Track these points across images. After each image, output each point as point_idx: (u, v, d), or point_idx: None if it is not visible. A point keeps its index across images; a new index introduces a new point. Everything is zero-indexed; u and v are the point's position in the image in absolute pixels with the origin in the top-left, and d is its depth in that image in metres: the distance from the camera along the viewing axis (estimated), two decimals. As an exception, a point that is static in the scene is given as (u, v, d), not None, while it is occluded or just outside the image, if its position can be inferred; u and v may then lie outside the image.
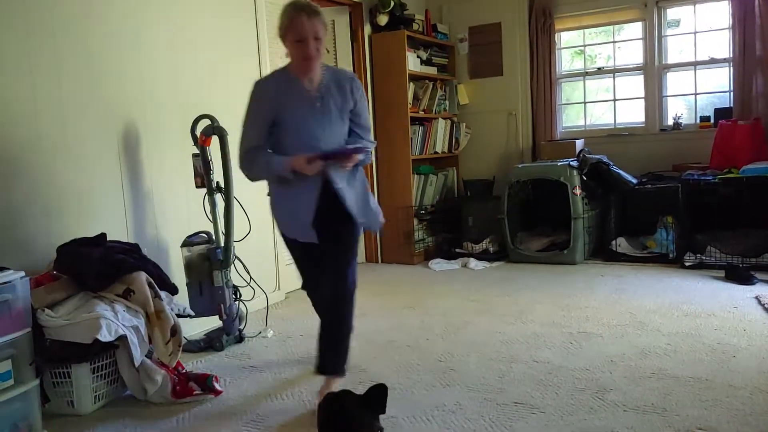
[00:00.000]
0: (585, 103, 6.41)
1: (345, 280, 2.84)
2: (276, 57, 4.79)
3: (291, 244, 2.95)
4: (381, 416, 2.23)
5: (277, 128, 2.75)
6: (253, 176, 2.83)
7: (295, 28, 2.61)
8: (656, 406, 2.60)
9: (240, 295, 3.83)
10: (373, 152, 5.92)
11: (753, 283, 4.42)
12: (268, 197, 2.95)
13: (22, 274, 2.69)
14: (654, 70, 5.96)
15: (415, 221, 5.94)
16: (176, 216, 3.92)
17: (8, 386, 2.58)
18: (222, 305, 3.70)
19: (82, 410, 2.85)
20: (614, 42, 6.26)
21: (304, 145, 2.70)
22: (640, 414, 2.54)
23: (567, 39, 6.47)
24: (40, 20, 3.19)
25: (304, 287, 3.21)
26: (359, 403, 2.16)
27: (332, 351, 2.85)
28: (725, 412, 2.51)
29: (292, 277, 4.99)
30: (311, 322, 4.15)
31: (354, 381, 3.04)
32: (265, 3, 4.68)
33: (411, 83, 5.92)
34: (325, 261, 2.86)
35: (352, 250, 2.90)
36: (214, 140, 3.68)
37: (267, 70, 4.65)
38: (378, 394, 2.03)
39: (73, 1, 3.36)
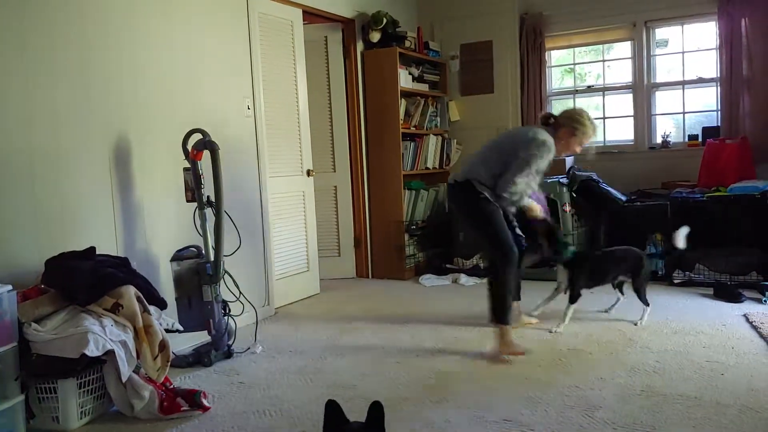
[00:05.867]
0: (575, 120, 6.44)
1: None
2: (268, 71, 4.81)
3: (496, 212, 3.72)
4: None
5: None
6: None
7: (587, 137, 3.80)
8: (645, 424, 2.60)
9: (229, 310, 3.81)
10: (365, 167, 5.95)
11: (741, 301, 4.44)
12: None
13: (9, 287, 2.68)
14: (643, 89, 6.02)
15: (406, 236, 5.94)
16: (166, 230, 3.91)
17: (-7, 401, 2.56)
18: (211, 320, 3.68)
19: (68, 426, 2.82)
20: (604, 61, 6.33)
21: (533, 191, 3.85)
22: (629, 432, 2.55)
23: (557, 57, 6.54)
24: (36, 32, 3.19)
25: (507, 255, 3.69)
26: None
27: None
28: (714, 430, 2.52)
29: (282, 292, 5.00)
30: (300, 337, 4.14)
31: (344, 397, 3.02)
32: (259, 22, 4.71)
33: (403, 99, 5.94)
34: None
35: None
36: (206, 154, 3.69)
37: (260, 87, 4.67)
38: (376, 416, 1.98)
39: (69, 13, 3.37)
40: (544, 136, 3.68)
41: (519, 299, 4.19)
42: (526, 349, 3.60)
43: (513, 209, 3.83)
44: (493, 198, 3.67)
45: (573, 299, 4.07)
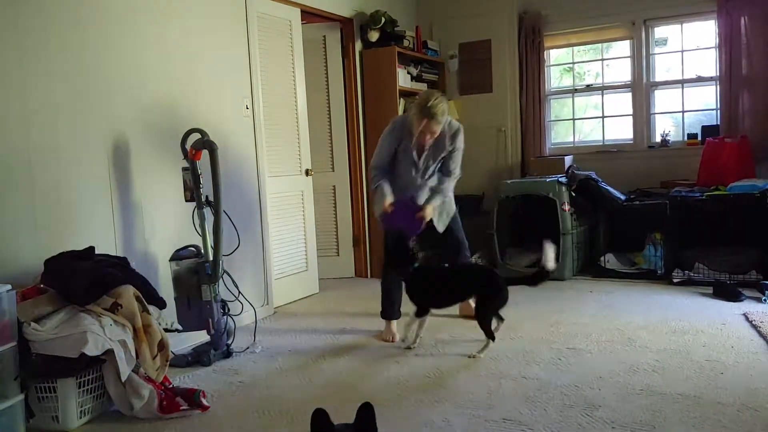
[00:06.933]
0: (574, 119, 6.46)
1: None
2: (266, 70, 4.81)
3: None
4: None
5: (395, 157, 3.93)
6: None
7: (420, 126, 3.72)
8: (645, 423, 2.60)
9: (228, 310, 3.81)
10: (363, 167, 5.94)
11: (741, 300, 4.44)
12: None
13: (9, 287, 2.67)
14: (642, 88, 6.02)
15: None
16: (165, 230, 3.91)
17: (-8, 401, 2.56)
18: (210, 320, 3.68)
19: (68, 425, 2.82)
20: (603, 60, 6.33)
21: (402, 182, 3.95)
22: (629, 431, 2.54)
23: (556, 56, 6.54)
24: (33, 30, 3.19)
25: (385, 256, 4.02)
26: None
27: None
28: (713, 430, 2.52)
29: (281, 292, 5.00)
30: (299, 337, 4.15)
31: (342, 398, 3.02)
32: (257, 21, 4.70)
33: (401, 99, 5.93)
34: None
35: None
36: (204, 154, 3.68)
37: (258, 86, 4.67)
38: (366, 418, 1.96)
39: (67, 12, 3.36)
40: (394, 118, 4.05)
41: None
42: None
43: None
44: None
45: (417, 313, 3.75)
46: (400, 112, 5.89)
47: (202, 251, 3.74)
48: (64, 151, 3.35)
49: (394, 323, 4.08)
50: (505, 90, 6.41)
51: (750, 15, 5.38)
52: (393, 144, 3.90)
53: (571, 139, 6.49)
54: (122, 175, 3.67)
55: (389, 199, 3.84)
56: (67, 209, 3.36)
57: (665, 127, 5.99)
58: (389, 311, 4.10)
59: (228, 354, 3.77)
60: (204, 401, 2.99)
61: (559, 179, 5.49)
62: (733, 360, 3.30)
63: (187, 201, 3.81)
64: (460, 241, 4.26)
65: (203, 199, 3.72)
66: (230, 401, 3.09)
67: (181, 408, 2.94)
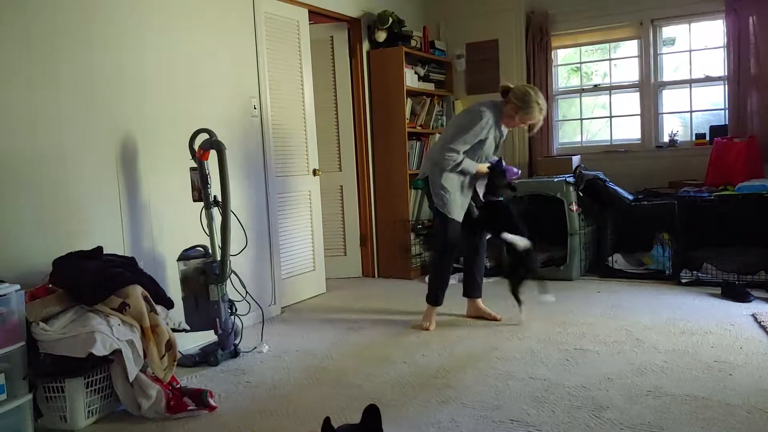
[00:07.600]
0: (581, 119, 6.44)
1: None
2: (274, 71, 4.81)
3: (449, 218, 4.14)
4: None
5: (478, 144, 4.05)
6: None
7: (530, 118, 3.97)
8: (653, 425, 2.59)
9: (235, 310, 3.81)
10: (371, 166, 5.95)
11: (749, 301, 4.42)
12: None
13: (18, 287, 2.69)
14: (650, 88, 6.00)
15: (412, 236, 5.93)
16: (173, 230, 3.92)
17: (1, 401, 2.57)
18: (217, 320, 3.69)
19: (76, 425, 2.83)
20: (610, 59, 6.31)
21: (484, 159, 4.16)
22: (637, 432, 2.54)
23: (563, 56, 6.52)
24: (40, 32, 3.20)
25: (443, 251, 4.26)
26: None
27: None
28: (722, 431, 2.50)
29: (289, 292, 5.01)
30: (307, 337, 4.15)
31: (349, 397, 3.02)
32: (265, 18, 4.71)
33: (409, 99, 5.94)
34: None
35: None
36: (212, 154, 3.69)
37: (266, 87, 4.68)
38: (372, 420, 1.96)
39: (73, 13, 3.37)
40: (476, 107, 4.05)
41: (479, 296, 4.42)
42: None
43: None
44: (445, 195, 4.05)
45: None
46: (408, 112, 5.90)
47: (210, 251, 3.75)
48: (72, 152, 3.36)
49: (436, 310, 4.24)
50: (512, 90, 6.38)
51: (758, 14, 5.35)
52: (485, 134, 4.00)
53: (579, 139, 6.48)
54: (130, 175, 3.69)
55: (484, 164, 4.11)
56: (75, 209, 3.37)
57: (673, 127, 5.97)
58: (435, 296, 4.25)
59: (235, 354, 3.78)
60: (211, 401, 3.00)
61: (567, 179, 5.48)
62: (742, 361, 3.28)
63: (194, 201, 3.81)
64: (483, 242, 4.43)
65: (211, 199, 3.73)
66: (237, 401, 3.10)
67: (189, 408, 2.94)
